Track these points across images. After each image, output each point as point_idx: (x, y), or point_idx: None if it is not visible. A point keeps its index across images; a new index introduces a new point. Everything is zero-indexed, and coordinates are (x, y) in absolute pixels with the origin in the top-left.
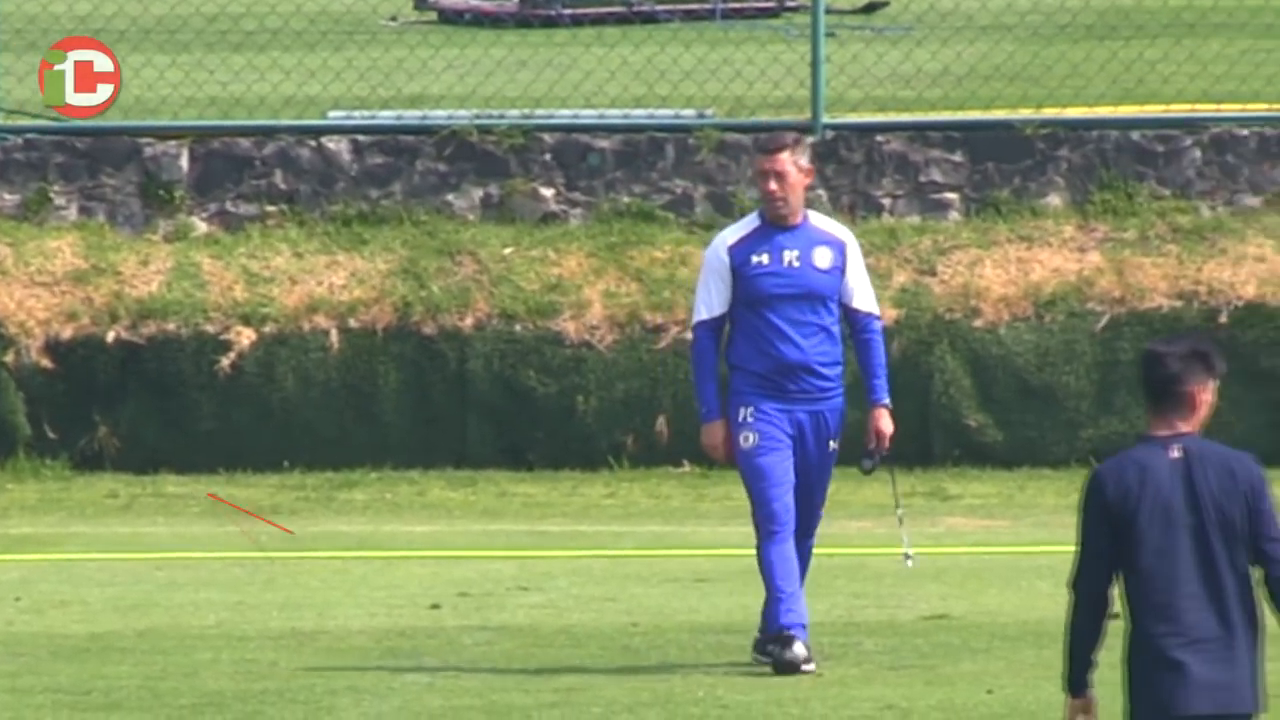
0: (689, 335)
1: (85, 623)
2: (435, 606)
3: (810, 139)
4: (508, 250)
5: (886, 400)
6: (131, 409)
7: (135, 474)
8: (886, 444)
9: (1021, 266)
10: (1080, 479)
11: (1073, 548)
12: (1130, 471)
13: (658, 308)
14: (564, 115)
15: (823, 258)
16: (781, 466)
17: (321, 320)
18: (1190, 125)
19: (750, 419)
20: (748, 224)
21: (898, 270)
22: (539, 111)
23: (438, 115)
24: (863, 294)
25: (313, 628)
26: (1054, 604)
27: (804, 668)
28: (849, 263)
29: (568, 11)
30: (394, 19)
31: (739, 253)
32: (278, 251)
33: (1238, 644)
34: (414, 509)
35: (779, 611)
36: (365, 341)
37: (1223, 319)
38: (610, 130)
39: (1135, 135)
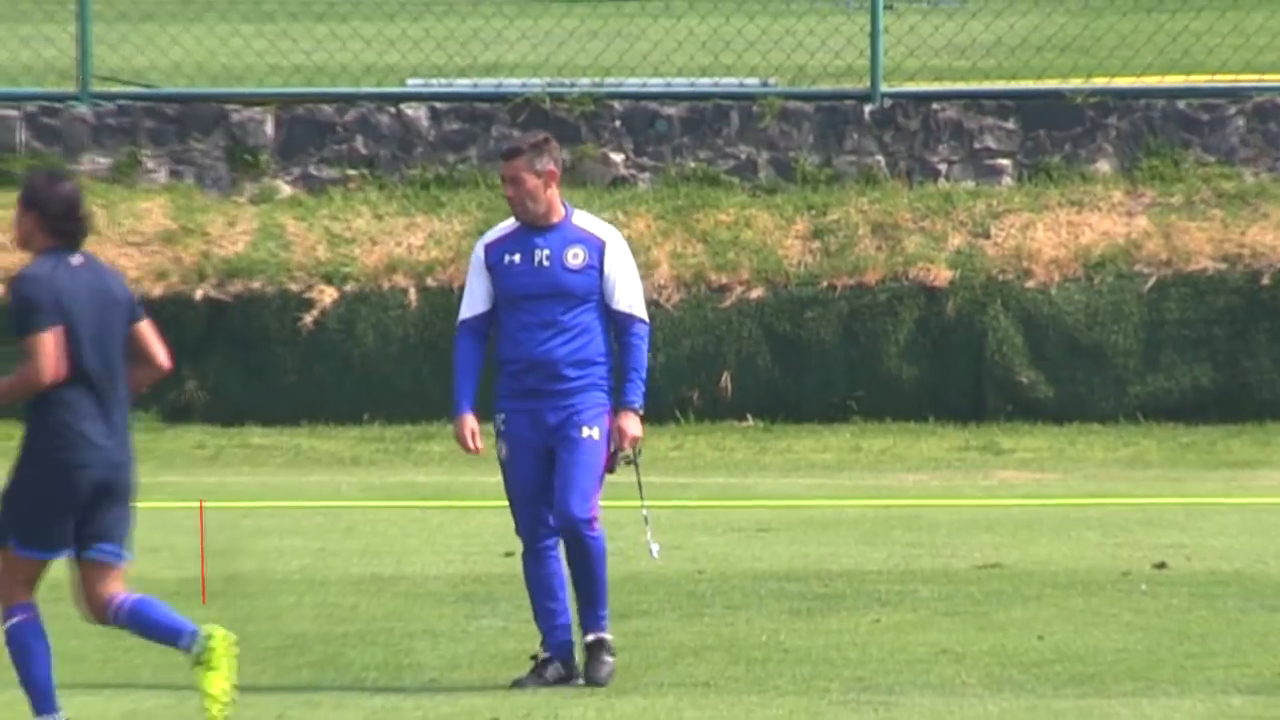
0: (753, 295)
1: (174, 568)
2: (509, 554)
3: (553, 145)
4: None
5: (635, 403)
6: (218, 364)
7: (222, 426)
8: (626, 445)
9: (1072, 230)
10: (1128, 434)
11: (1123, 500)
12: None
13: (722, 268)
14: (633, 83)
15: (575, 257)
16: (532, 483)
17: (400, 279)
18: (1234, 95)
19: (503, 426)
20: (510, 224)
21: (953, 233)
22: (609, 80)
23: (512, 83)
24: (623, 294)
25: (392, 573)
26: (1102, 554)
27: (555, 685)
28: (607, 262)
29: None
30: None
31: (494, 252)
32: (358, 213)
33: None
34: (490, 460)
35: (544, 630)
36: (442, 299)
37: (1265, 281)
38: (677, 98)
39: (1181, 104)
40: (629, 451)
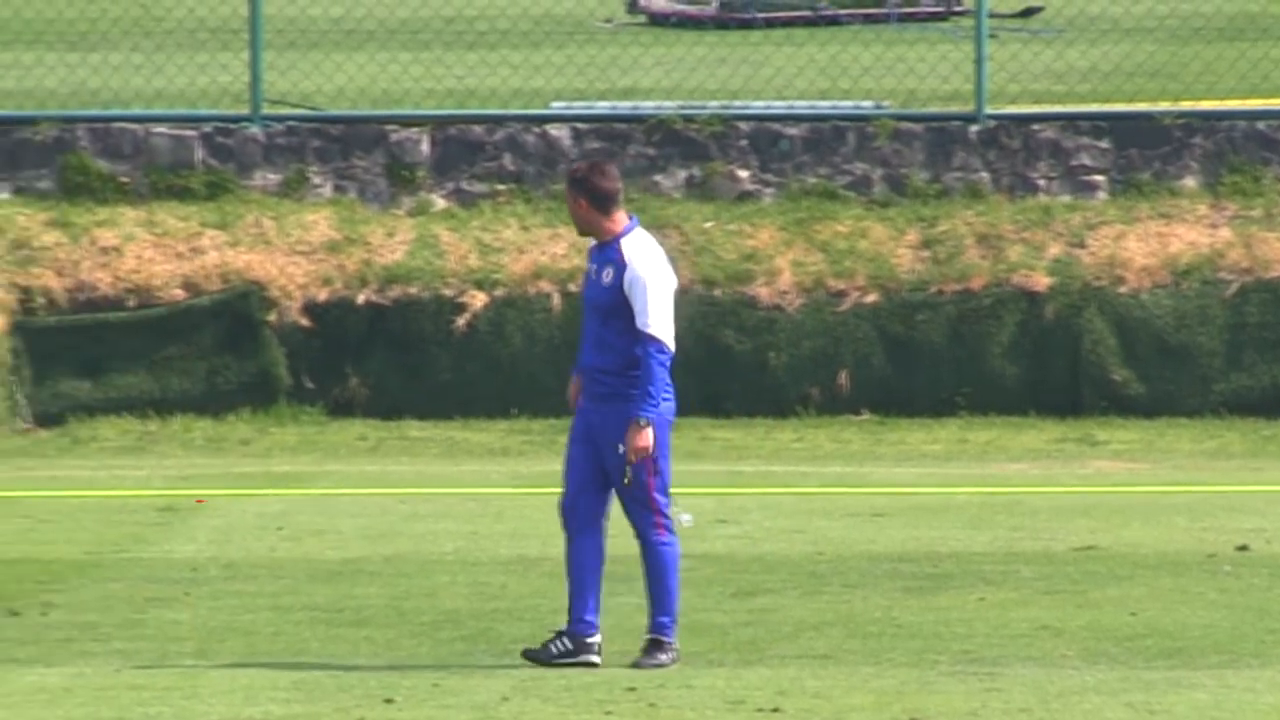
0: (868, 300)
1: (338, 549)
2: None
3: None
4: (709, 224)
5: (640, 416)
6: (379, 362)
7: (382, 419)
8: (632, 456)
9: (1161, 240)
10: (1213, 428)
11: (1208, 488)
12: None
13: (840, 275)
14: (758, 106)
15: (606, 275)
16: (576, 467)
17: (544, 285)
18: None
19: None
20: None
21: (1051, 243)
22: (736, 103)
23: (647, 106)
24: (641, 315)
25: (537, 555)
26: (1190, 537)
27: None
28: (625, 282)
29: (761, 15)
30: (609, 21)
31: (588, 258)
32: (507, 225)
33: None
34: None
35: (571, 608)
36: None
37: None
38: (798, 119)
39: (1261, 125)
40: (635, 460)
